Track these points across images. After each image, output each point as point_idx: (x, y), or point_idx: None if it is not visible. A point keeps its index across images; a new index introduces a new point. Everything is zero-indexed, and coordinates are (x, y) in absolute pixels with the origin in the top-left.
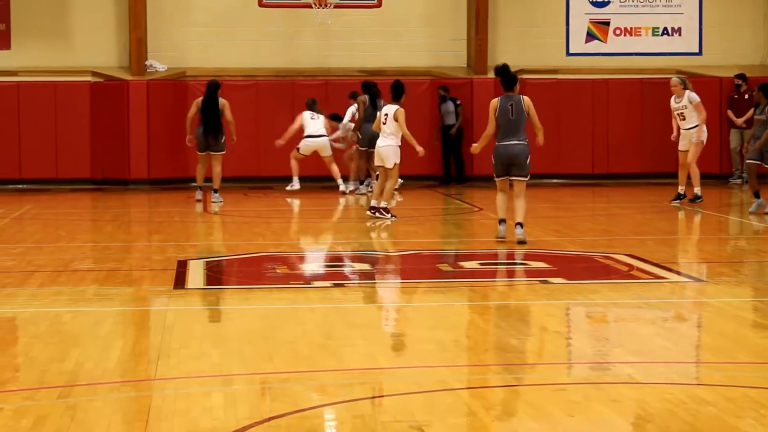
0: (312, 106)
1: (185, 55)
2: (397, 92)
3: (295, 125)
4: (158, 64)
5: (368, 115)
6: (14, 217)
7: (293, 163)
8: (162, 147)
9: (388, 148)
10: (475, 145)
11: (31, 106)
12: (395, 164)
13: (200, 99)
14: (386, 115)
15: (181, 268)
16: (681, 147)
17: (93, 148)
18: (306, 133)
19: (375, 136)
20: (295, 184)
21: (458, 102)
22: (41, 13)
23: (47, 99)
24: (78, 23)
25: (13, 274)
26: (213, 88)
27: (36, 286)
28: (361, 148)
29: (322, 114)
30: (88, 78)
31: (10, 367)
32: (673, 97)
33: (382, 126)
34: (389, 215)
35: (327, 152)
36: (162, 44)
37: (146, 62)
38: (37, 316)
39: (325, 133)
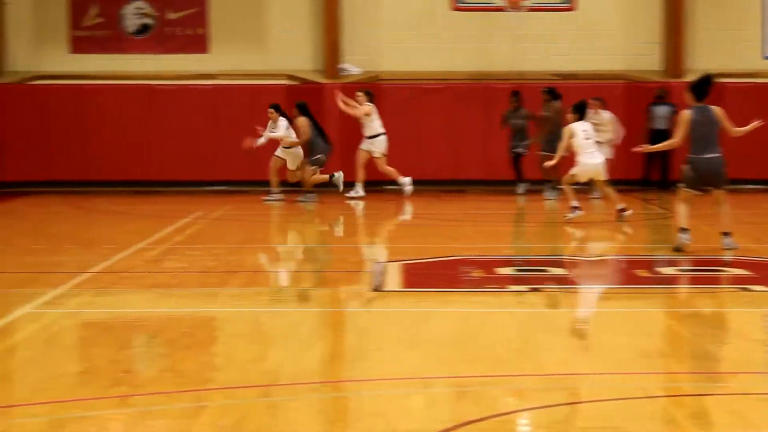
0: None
1: (379, 58)
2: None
3: None
4: (353, 67)
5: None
6: (214, 218)
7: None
8: (355, 149)
9: (601, 163)
10: (647, 146)
11: (228, 109)
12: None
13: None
14: (585, 130)
15: (378, 270)
16: None
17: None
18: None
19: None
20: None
21: (674, 106)
22: (239, 17)
23: (244, 102)
24: (274, 27)
25: (214, 274)
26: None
27: (237, 286)
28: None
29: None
30: (284, 81)
31: (212, 365)
32: None
33: (584, 142)
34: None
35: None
36: (356, 48)
37: (340, 65)
38: (238, 316)
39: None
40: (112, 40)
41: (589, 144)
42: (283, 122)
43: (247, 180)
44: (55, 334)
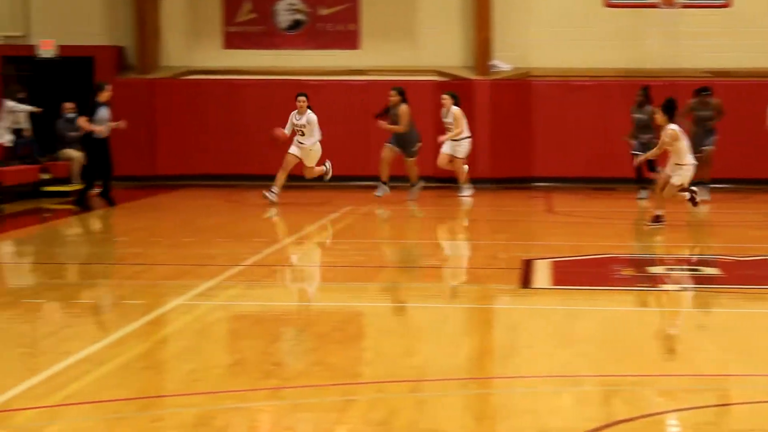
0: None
1: (529, 54)
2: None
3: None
4: (503, 64)
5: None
6: (363, 213)
7: None
8: (505, 146)
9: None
10: None
11: (378, 104)
12: None
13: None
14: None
15: (527, 267)
16: None
17: (437, 147)
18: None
19: None
20: None
21: None
22: (390, 13)
23: None
24: (425, 23)
25: (363, 269)
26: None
27: (386, 281)
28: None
29: None
30: (434, 77)
31: (362, 360)
32: None
33: (686, 145)
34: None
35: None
36: (507, 44)
37: (491, 62)
38: (387, 311)
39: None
40: (264, 35)
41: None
42: (312, 116)
43: (398, 175)
44: (207, 326)
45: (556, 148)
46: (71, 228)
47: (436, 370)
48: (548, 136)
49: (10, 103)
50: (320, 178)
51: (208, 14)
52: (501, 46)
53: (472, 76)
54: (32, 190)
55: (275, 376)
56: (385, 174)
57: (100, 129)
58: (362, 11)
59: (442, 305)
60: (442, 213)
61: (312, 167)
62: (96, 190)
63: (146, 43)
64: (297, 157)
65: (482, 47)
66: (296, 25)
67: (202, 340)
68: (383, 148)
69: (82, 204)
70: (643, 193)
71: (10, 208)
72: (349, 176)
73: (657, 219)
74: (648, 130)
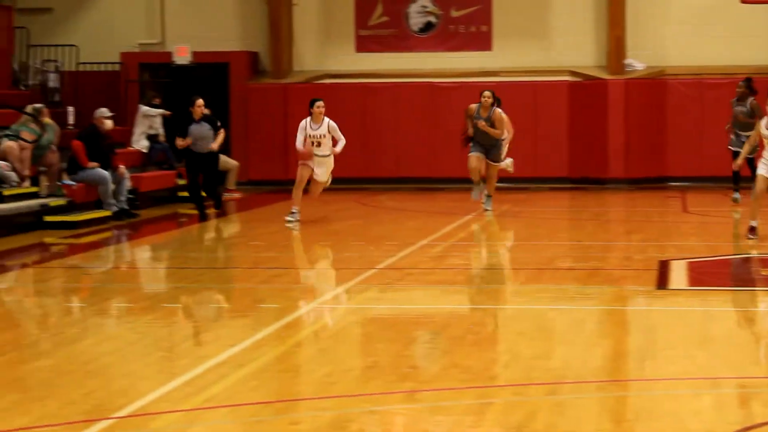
0: None
1: (664, 53)
2: None
3: None
4: (637, 62)
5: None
6: (495, 215)
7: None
8: (640, 146)
9: None
10: None
11: (510, 106)
12: None
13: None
14: None
15: (663, 268)
16: None
17: (571, 147)
18: None
19: None
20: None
21: None
22: (521, 14)
23: (526, 98)
24: (557, 23)
25: (497, 271)
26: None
27: (520, 283)
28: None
29: None
30: (567, 77)
31: (499, 362)
32: None
33: None
34: None
35: None
36: (641, 43)
37: (625, 61)
38: (522, 313)
39: None
40: (396, 38)
41: None
42: (332, 123)
43: (530, 177)
44: (342, 329)
45: (691, 147)
46: (207, 232)
47: (574, 373)
48: (683, 134)
49: (145, 108)
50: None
51: (340, 18)
52: (634, 44)
53: (606, 76)
54: (168, 196)
55: (411, 378)
56: (477, 177)
57: (184, 143)
58: (494, 12)
59: (578, 307)
60: (573, 214)
61: (322, 182)
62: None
63: (279, 48)
64: (310, 168)
65: (615, 46)
66: (428, 27)
67: (337, 343)
68: (469, 157)
69: (220, 207)
70: (737, 195)
71: (146, 213)
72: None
73: (752, 231)
74: (749, 126)
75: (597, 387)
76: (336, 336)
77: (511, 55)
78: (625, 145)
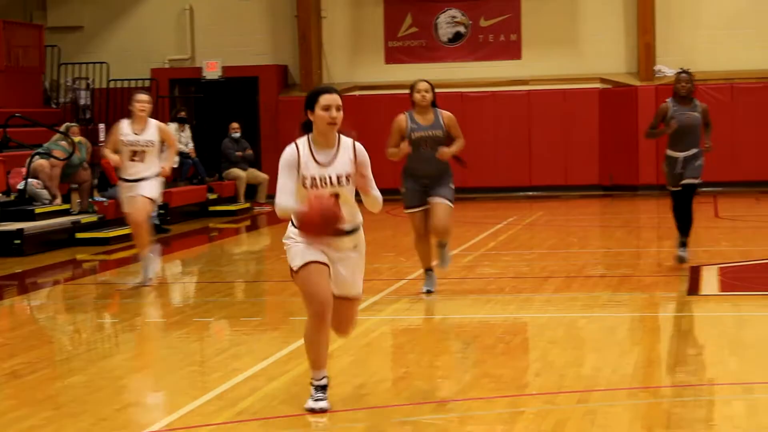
0: None
1: (694, 58)
2: None
3: None
4: (667, 68)
5: None
6: (526, 224)
7: None
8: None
9: None
10: None
11: (541, 114)
12: None
13: None
14: None
15: (694, 274)
16: None
17: (601, 154)
18: None
19: None
20: None
21: None
22: (550, 22)
23: (557, 106)
24: (586, 30)
25: (528, 280)
26: None
27: (551, 291)
28: None
29: None
30: (597, 85)
31: (530, 371)
32: None
33: None
34: None
35: None
36: (671, 48)
37: (655, 67)
38: (553, 321)
39: None
40: (426, 49)
41: None
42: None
43: (561, 185)
44: (374, 340)
45: (721, 152)
46: (238, 246)
47: (605, 380)
48: (713, 139)
49: (172, 125)
50: None
51: (369, 30)
52: (665, 50)
53: (636, 83)
54: (199, 210)
55: (442, 388)
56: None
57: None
58: (523, 20)
59: (608, 314)
60: (604, 221)
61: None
62: None
63: (309, 60)
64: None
65: (645, 52)
66: (457, 37)
67: (369, 354)
68: (411, 216)
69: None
70: None
71: (177, 228)
72: (512, 187)
73: None
74: None
75: (628, 394)
76: (368, 347)
77: (541, 63)
78: (656, 151)
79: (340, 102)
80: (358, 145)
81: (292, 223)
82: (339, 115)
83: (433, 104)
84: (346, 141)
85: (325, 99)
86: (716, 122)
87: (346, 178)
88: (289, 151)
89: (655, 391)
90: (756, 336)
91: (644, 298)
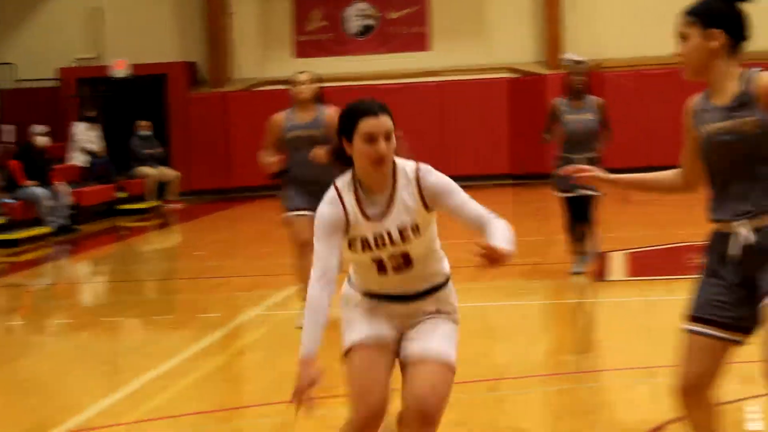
0: None
1: (601, 46)
2: None
3: None
4: (575, 56)
5: None
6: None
7: None
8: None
9: None
10: None
11: (452, 105)
12: None
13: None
14: None
15: (601, 259)
16: None
17: (511, 143)
18: None
19: None
20: None
21: None
22: (459, 13)
23: (467, 97)
24: (495, 21)
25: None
26: None
27: (461, 281)
28: None
29: None
30: (506, 74)
31: None
32: None
33: None
34: None
35: None
36: (578, 37)
37: (563, 55)
38: (464, 311)
39: None
40: (335, 42)
41: None
42: None
43: (472, 175)
44: (284, 336)
45: (629, 137)
46: (148, 244)
47: (515, 368)
48: (620, 125)
49: (81, 125)
50: None
51: (278, 25)
52: (573, 38)
53: (544, 71)
54: (108, 209)
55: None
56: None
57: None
58: (432, 12)
59: (520, 302)
60: (515, 209)
61: None
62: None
63: (218, 56)
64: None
65: (553, 41)
66: (366, 30)
67: (280, 350)
68: (293, 221)
69: None
70: None
71: (87, 227)
72: None
73: None
74: None
75: (539, 381)
76: (278, 343)
77: (450, 54)
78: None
79: (390, 125)
80: (423, 168)
81: (349, 278)
82: (390, 147)
83: (320, 100)
84: (405, 169)
85: (367, 125)
86: (624, 108)
87: (413, 228)
88: (330, 207)
89: (564, 378)
90: (662, 320)
91: (554, 285)
